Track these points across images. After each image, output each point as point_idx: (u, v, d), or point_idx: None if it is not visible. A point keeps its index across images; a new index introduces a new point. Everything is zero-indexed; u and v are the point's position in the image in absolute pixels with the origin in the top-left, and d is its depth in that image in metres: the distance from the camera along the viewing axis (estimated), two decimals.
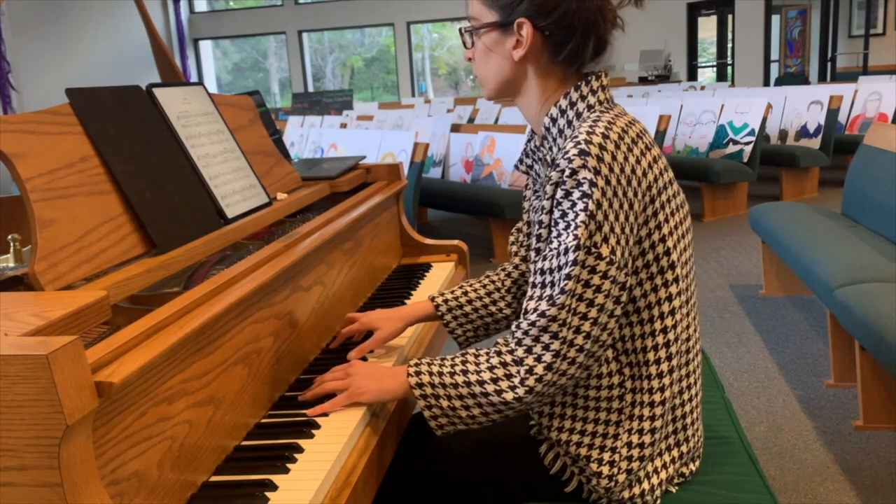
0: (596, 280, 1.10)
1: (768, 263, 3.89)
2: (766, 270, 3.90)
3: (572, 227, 1.10)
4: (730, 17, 13.05)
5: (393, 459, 1.31)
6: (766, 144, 6.25)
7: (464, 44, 1.30)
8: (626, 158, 1.13)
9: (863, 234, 3.16)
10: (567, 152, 1.12)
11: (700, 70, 13.97)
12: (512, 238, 1.53)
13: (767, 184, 6.75)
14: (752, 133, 5.88)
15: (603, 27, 1.21)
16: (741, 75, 12.72)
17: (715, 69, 14.13)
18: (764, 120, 5.89)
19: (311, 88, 16.02)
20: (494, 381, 1.14)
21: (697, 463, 1.33)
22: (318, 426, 1.21)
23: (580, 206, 1.10)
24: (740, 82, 12.35)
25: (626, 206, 1.12)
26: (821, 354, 3.12)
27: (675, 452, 1.28)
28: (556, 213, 1.13)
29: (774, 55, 13.15)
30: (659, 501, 1.26)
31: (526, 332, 1.13)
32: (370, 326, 1.51)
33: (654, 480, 1.25)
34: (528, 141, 1.35)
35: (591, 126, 1.14)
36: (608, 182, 1.10)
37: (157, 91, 1.50)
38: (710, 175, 5.64)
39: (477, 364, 1.18)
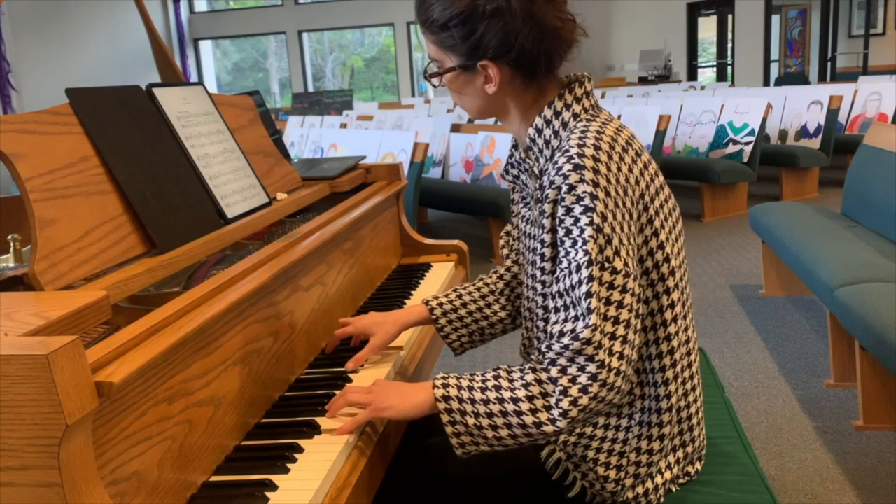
0: (616, 296, 1.08)
1: (768, 263, 3.89)
2: (766, 270, 3.90)
3: (580, 244, 1.08)
4: (730, 17, 13.04)
5: (393, 459, 1.31)
6: (766, 144, 6.24)
7: (431, 84, 1.28)
8: (619, 168, 1.13)
9: (863, 234, 3.16)
10: (560, 168, 1.11)
11: (700, 70, 13.96)
12: (502, 242, 1.51)
13: (767, 184, 6.75)
14: (752, 133, 5.88)
15: (563, 46, 1.19)
16: (741, 75, 12.71)
17: (715, 69, 14.13)
18: (764, 120, 5.88)
19: (311, 88, 16.01)
20: (530, 399, 1.08)
21: (701, 463, 1.34)
22: (318, 426, 1.20)
23: (584, 220, 1.08)
24: (740, 82, 12.34)
25: (627, 216, 1.12)
26: (821, 354, 3.12)
27: (680, 453, 1.29)
28: (561, 232, 1.11)
29: (774, 55, 13.14)
30: (662, 500, 1.27)
31: (560, 353, 1.08)
32: (364, 332, 1.47)
33: (659, 480, 1.26)
34: (512, 151, 1.32)
35: (580, 137, 1.13)
36: (608, 193, 1.10)
37: (157, 91, 1.50)
38: (710, 175, 5.64)
39: (510, 381, 1.11)
